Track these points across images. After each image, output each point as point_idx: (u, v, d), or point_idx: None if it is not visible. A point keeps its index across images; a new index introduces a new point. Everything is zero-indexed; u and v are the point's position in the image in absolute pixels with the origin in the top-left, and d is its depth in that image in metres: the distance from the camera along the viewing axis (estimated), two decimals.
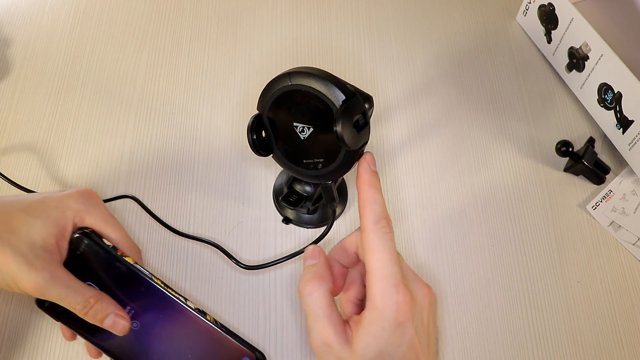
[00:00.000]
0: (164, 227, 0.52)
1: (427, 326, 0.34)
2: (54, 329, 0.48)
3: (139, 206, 0.52)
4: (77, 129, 0.57)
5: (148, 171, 0.55)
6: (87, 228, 0.40)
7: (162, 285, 0.39)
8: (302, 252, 0.47)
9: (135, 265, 0.40)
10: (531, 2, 0.62)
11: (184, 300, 0.39)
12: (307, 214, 0.52)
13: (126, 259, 0.40)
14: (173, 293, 0.40)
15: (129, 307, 0.39)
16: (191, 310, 0.39)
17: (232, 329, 0.39)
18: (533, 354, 0.48)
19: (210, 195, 0.54)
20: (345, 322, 0.34)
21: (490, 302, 0.50)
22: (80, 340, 0.47)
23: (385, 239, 0.33)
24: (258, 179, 0.55)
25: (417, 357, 0.33)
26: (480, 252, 0.52)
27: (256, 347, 0.39)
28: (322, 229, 0.48)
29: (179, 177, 0.55)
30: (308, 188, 0.50)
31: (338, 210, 0.53)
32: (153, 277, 0.40)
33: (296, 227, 0.53)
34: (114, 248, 0.40)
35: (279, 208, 0.53)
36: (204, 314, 0.39)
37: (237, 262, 0.49)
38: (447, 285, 0.51)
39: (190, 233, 0.51)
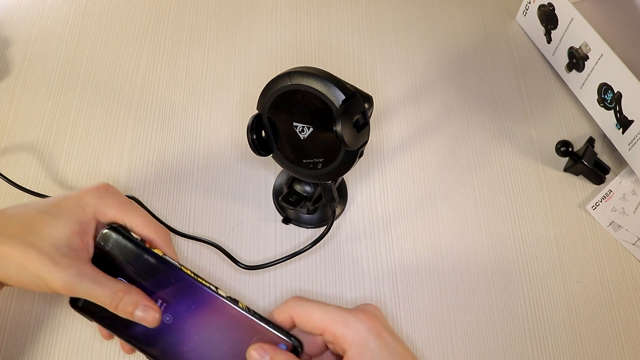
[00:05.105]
0: None
1: (391, 330, 0.35)
2: (54, 329, 0.48)
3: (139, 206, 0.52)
4: (77, 129, 0.57)
5: (148, 171, 0.55)
6: (114, 223, 0.40)
7: (193, 276, 0.38)
8: (302, 252, 0.47)
9: (164, 257, 0.39)
10: (531, 2, 0.62)
11: (215, 289, 0.38)
12: (307, 214, 0.52)
13: (155, 250, 0.39)
14: (204, 283, 0.38)
15: (160, 300, 0.38)
16: (223, 299, 0.38)
17: (265, 316, 0.38)
18: (533, 354, 0.48)
19: (210, 195, 0.54)
20: None
21: (490, 302, 0.50)
22: (84, 340, 0.47)
23: (307, 301, 0.35)
24: (258, 179, 0.55)
25: (408, 356, 0.34)
26: (480, 252, 0.52)
27: (292, 334, 0.37)
28: (322, 229, 0.48)
29: (179, 177, 0.55)
30: (308, 188, 0.50)
31: (338, 210, 0.53)
32: (183, 268, 0.39)
33: (296, 227, 0.53)
34: (143, 241, 0.39)
35: (279, 208, 0.53)
36: (236, 302, 0.38)
37: (237, 262, 0.49)
38: (447, 285, 0.51)
39: (190, 233, 0.51)
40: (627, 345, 0.49)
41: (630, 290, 0.51)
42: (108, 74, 0.60)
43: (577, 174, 0.57)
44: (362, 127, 0.40)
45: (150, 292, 0.38)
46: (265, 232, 0.52)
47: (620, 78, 0.52)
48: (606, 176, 0.56)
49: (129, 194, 0.53)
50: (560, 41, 0.59)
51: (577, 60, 0.58)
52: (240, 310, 0.37)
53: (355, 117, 0.39)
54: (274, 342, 0.36)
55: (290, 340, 0.36)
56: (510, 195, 0.55)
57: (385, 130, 0.58)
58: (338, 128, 0.38)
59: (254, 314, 0.38)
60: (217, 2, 0.66)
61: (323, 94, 0.39)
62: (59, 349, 0.47)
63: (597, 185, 0.56)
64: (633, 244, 0.53)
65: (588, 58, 0.56)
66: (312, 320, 0.34)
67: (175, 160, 0.56)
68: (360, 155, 0.42)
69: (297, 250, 0.47)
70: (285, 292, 0.50)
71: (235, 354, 0.37)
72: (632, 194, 0.56)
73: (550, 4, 0.59)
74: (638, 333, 0.50)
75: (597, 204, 0.55)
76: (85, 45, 0.62)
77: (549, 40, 0.61)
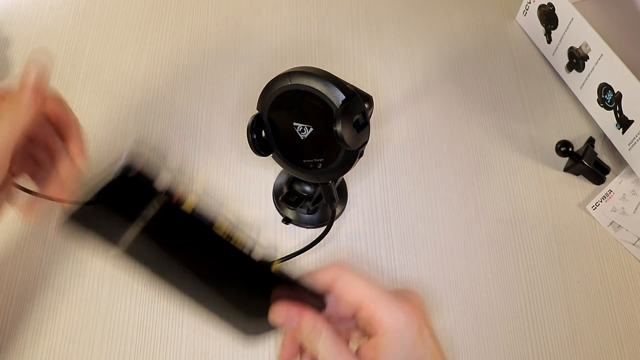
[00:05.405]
0: None
1: (432, 327, 0.34)
2: (54, 328, 0.48)
3: None
4: None
5: None
6: (130, 167, 0.32)
7: (224, 235, 0.34)
8: (302, 252, 0.47)
9: (195, 213, 0.33)
10: (531, 2, 0.62)
11: (248, 252, 0.34)
12: (307, 214, 0.52)
13: (183, 207, 0.33)
14: (236, 243, 0.34)
15: (183, 254, 0.35)
16: (254, 261, 0.34)
17: (295, 277, 0.35)
18: (533, 354, 0.48)
19: (210, 195, 0.54)
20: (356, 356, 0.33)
21: (490, 302, 0.50)
22: (84, 340, 0.47)
23: (355, 270, 0.34)
24: (258, 179, 0.55)
25: (440, 356, 0.33)
26: (480, 252, 0.52)
27: (318, 293, 0.35)
28: (322, 229, 0.48)
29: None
30: (308, 188, 0.50)
31: (338, 210, 0.53)
32: (214, 226, 0.34)
33: (296, 227, 0.53)
34: (168, 194, 0.33)
35: (279, 208, 0.53)
36: (269, 264, 0.34)
37: None
38: (447, 285, 0.51)
39: None
40: (627, 345, 0.49)
41: (630, 290, 0.51)
42: (108, 74, 0.60)
43: (577, 174, 0.57)
44: (362, 127, 0.40)
45: (173, 247, 0.35)
46: (265, 232, 0.52)
47: (620, 78, 0.52)
48: (606, 176, 0.56)
49: None
50: (560, 41, 0.59)
51: (577, 60, 0.58)
52: (271, 273, 0.34)
53: (356, 117, 0.39)
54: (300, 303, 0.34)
55: (317, 300, 0.35)
56: (510, 195, 0.55)
57: (385, 130, 0.58)
58: (338, 128, 0.38)
59: (286, 277, 0.35)
60: (217, 2, 0.66)
61: (323, 94, 0.39)
62: (59, 349, 0.47)
63: (597, 185, 0.56)
64: (633, 244, 0.53)
65: (588, 58, 0.56)
66: (353, 293, 0.33)
67: (175, 160, 0.56)
68: (360, 155, 0.42)
69: (297, 250, 0.47)
70: None
71: (260, 303, 0.35)
72: (632, 194, 0.56)
73: (550, 4, 0.59)
74: (638, 333, 0.50)
75: (597, 204, 0.55)
76: (85, 45, 0.62)
77: (549, 40, 0.61)
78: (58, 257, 0.51)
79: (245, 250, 0.34)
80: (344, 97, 0.39)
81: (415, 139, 0.58)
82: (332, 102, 0.39)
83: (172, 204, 0.33)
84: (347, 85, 0.40)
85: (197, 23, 0.64)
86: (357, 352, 0.33)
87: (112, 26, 0.64)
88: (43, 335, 0.48)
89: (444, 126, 0.59)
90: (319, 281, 0.34)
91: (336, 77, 0.40)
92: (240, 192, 0.54)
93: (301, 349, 0.36)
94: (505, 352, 0.48)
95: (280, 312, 0.33)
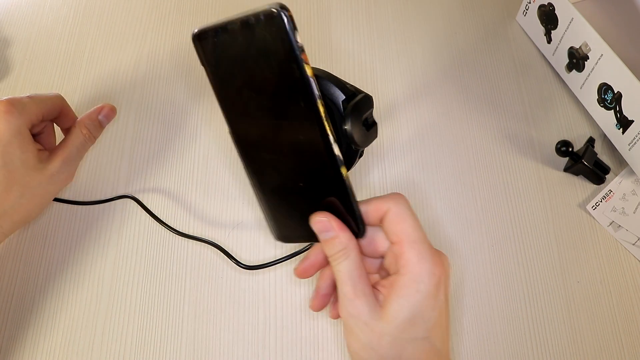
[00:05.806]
0: (164, 227, 0.52)
1: (449, 294, 0.34)
2: (54, 328, 0.48)
3: (139, 206, 0.52)
4: None
5: (148, 171, 0.55)
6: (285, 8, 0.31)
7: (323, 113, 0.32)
8: (302, 252, 0.47)
9: (311, 78, 0.31)
10: (531, 2, 0.62)
11: (332, 140, 0.32)
12: None
13: (306, 67, 0.31)
14: (328, 126, 0.33)
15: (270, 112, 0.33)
16: (332, 152, 0.33)
17: (354, 194, 0.34)
18: (533, 354, 0.48)
19: (210, 195, 0.54)
20: (374, 287, 0.34)
21: (490, 302, 0.50)
22: (83, 341, 0.47)
23: (409, 207, 0.34)
24: None
25: (446, 324, 0.33)
26: (480, 252, 0.52)
27: (362, 220, 0.34)
28: None
29: (179, 177, 0.55)
30: None
31: None
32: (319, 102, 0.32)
33: None
34: (301, 49, 0.31)
35: None
36: (342, 162, 0.33)
37: (237, 262, 0.49)
38: None
39: (190, 233, 0.51)
40: (627, 345, 0.49)
41: (630, 290, 0.51)
42: (108, 74, 0.60)
43: (577, 174, 0.57)
44: (371, 125, 0.40)
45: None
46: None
47: (620, 78, 0.52)
48: (606, 176, 0.56)
49: (129, 193, 0.53)
50: (560, 41, 0.59)
51: (577, 60, 0.58)
52: (337, 171, 0.33)
53: (365, 116, 0.39)
54: (343, 219, 0.34)
55: (358, 226, 0.34)
56: (510, 195, 0.55)
57: (385, 130, 0.58)
58: (348, 127, 0.37)
59: (346, 183, 0.34)
60: (217, 2, 0.66)
61: (323, 94, 0.39)
62: (59, 349, 0.47)
63: (597, 185, 0.56)
64: (633, 244, 0.53)
65: (588, 58, 0.56)
66: (397, 227, 0.33)
67: (175, 160, 0.56)
68: (361, 155, 0.42)
69: (297, 250, 0.47)
70: (285, 292, 0.50)
71: (309, 204, 0.35)
72: (632, 194, 0.56)
73: (550, 4, 0.59)
74: (638, 333, 0.50)
75: (597, 204, 0.55)
76: (85, 45, 0.62)
77: (549, 40, 0.61)
78: (58, 257, 0.51)
79: (330, 138, 0.33)
80: (344, 97, 0.39)
81: (415, 139, 0.58)
82: (332, 102, 0.39)
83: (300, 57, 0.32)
84: (347, 85, 0.40)
85: (197, 23, 0.64)
86: (374, 285, 0.34)
87: (112, 26, 0.64)
88: (43, 335, 0.48)
89: (444, 126, 0.59)
90: (374, 209, 0.34)
91: (336, 77, 0.40)
92: (240, 192, 0.54)
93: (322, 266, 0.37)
94: (505, 352, 0.48)
95: (323, 219, 0.34)
